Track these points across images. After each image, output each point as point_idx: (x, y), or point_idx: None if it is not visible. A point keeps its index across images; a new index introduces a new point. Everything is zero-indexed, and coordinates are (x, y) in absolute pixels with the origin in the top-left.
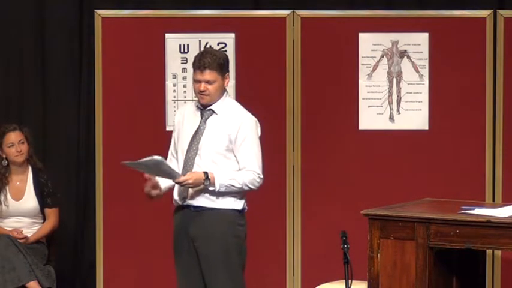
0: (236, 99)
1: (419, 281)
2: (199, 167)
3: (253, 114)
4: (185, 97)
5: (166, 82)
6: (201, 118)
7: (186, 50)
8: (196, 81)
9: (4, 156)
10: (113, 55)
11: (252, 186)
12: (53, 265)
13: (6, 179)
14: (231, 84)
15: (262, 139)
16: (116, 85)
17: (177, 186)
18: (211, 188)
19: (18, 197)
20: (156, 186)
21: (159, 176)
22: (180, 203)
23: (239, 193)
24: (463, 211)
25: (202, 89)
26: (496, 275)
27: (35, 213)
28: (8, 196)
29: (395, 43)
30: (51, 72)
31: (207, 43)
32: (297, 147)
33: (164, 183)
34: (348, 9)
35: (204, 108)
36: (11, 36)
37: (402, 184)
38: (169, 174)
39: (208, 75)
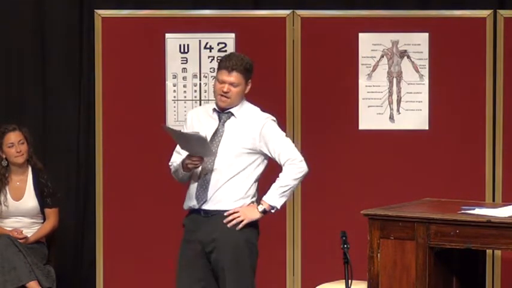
0: None
1: (419, 281)
2: (220, 171)
3: None
4: (185, 97)
5: (166, 82)
6: (219, 121)
7: (186, 50)
8: (220, 81)
9: (4, 156)
10: (113, 55)
11: (300, 175)
12: (53, 265)
13: (6, 179)
14: None
15: None
16: (116, 85)
17: (192, 189)
18: (273, 211)
19: (18, 197)
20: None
21: (191, 152)
22: (196, 206)
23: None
24: (463, 211)
25: (225, 90)
26: (496, 275)
27: (34, 213)
28: (8, 196)
29: (395, 43)
30: (51, 72)
31: (207, 43)
32: (297, 147)
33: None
34: (348, 9)
35: (222, 111)
36: (11, 36)
37: (402, 184)
38: (205, 152)
39: (234, 77)
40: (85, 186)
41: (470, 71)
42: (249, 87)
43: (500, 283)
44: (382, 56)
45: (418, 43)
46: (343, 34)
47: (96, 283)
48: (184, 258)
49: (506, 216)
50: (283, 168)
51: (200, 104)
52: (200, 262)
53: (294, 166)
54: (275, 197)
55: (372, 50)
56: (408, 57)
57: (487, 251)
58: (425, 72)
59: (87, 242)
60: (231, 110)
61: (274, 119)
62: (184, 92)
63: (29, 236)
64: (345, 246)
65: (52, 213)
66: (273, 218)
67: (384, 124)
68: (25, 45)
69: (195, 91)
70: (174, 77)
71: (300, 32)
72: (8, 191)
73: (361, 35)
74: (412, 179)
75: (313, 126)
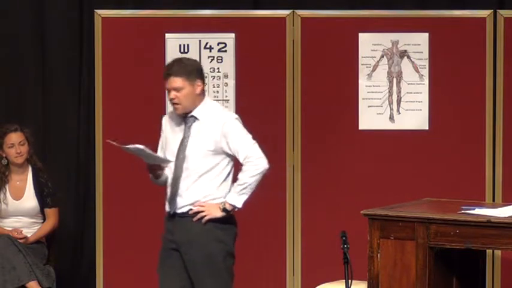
0: (236, 99)
1: (419, 281)
2: (189, 174)
3: (253, 114)
4: None
5: None
6: (185, 125)
7: (186, 50)
8: (168, 91)
9: (4, 155)
10: (113, 55)
11: (257, 172)
12: (52, 265)
13: (6, 177)
14: (231, 84)
15: (262, 139)
16: (116, 85)
17: (167, 193)
18: (236, 209)
19: (18, 196)
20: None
21: (149, 162)
22: (170, 209)
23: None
24: (463, 211)
25: (172, 97)
26: (496, 275)
27: (34, 212)
28: (8, 195)
29: (395, 43)
30: (51, 72)
31: (207, 43)
32: (297, 147)
33: (165, 173)
34: (348, 9)
35: (186, 116)
36: (11, 36)
37: (402, 184)
38: (156, 158)
39: (173, 82)
40: (85, 186)
41: (470, 71)
42: (199, 87)
43: (500, 283)
44: (382, 56)
45: (418, 43)
46: (343, 34)
47: (96, 283)
48: (163, 261)
49: (506, 216)
50: (242, 166)
51: None
52: (177, 263)
53: (251, 164)
54: (234, 196)
55: (372, 50)
56: (408, 57)
57: (487, 251)
58: (425, 72)
59: (87, 242)
60: (193, 113)
61: (237, 116)
62: None
63: (28, 236)
64: (345, 246)
65: (52, 213)
66: (273, 218)
67: (384, 124)
68: (25, 45)
69: None
70: None
71: (300, 32)
72: (8, 190)
73: (361, 35)
74: (412, 179)
75: (313, 126)
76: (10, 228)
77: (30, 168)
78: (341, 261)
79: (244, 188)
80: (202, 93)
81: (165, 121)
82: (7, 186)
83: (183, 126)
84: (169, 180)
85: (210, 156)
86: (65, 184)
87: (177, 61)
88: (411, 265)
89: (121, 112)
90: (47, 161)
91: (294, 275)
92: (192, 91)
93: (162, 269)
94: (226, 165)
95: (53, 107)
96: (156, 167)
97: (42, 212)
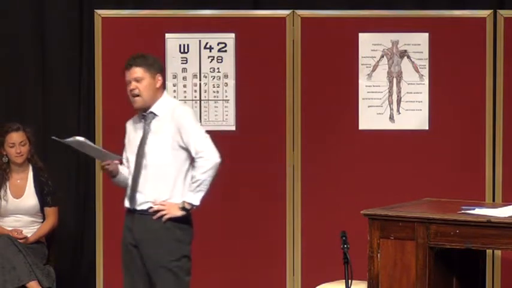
0: (236, 99)
1: (419, 281)
2: (148, 170)
3: (253, 114)
4: (185, 97)
5: (166, 82)
6: (145, 123)
7: (186, 50)
8: (127, 83)
9: (5, 153)
10: (113, 55)
11: (208, 168)
12: (52, 265)
13: (7, 174)
14: (231, 84)
15: (263, 139)
16: (116, 85)
17: (127, 190)
18: (195, 207)
19: (18, 194)
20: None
21: (97, 158)
22: (129, 206)
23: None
24: (463, 211)
25: (131, 87)
26: (496, 275)
27: (34, 211)
28: (8, 192)
29: (395, 43)
30: (51, 72)
31: (207, 43)
32: (297, 147)
33: (125, 173)
34: (348, 9)
35: (146, 113)
36: (11, 36)
37: (402, 184)
38: (102, 153)
39: (134, 72)
40: (85, 186)
41: (470, 71)
42: (159, 81)
43: (500, 283)
44: (382, 56)
45: (418, 43)
46: (343, 34)
47: (96, 283)
48: (127, 265)
49: (506, 216)
50: (194, 162)
51: (200, 104)
52: (139, 266)
53: (202, 159)
54: (190, 195)
55: (372, 50)
56: (408, 57)
57: (487, 251)
58: (425, 72)
59: (87, 242)
60: (152, 109)
61: (191, 110)
62: (184, 92)
63: (28, 235)
64: (345, 246)
65: (51, 212)
66: (273, 218)
67: (384, 124)
68: (25, 45)
69: (195, 91)
70: (174, 77)
71: (300, 32)
72: (8, 187)
73: (361, 35)
74: (412, 179)
75: (313, 126)
76: (10, 228)
77: (30, 168)
78: (341, 261)
79: (198, 185)
80: (162, 88)
81: (128, 125)
82: (8, 184)
83: (143, 124)
84: (130, 177)
85: (169, 152)
86: (65, 184)
87: (138, 55)
88: (411, 265)
89: (121, 112)
90: (47, 161)
91: (294, 275)
92: (152, 83)
93: (127, 274)
94: (185, 161)
95: (53, 107)
96: (108, 164)
97: (42, 211)
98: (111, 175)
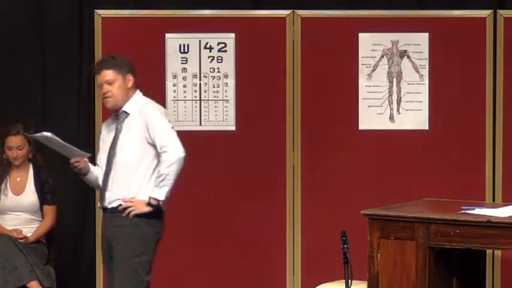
0: (236, 99)
1: (419, 281)
2: (117, 168)
3: (253, 114)
4: (185, 97)
5: (166, 82)
6: (118, 122)
7: (186, 50)
8: (99, 86)
9: (4, 153)
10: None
11: (171, 162)
12: (52, 265)
13: (7, 169)
14: (231, 84)
15: (262, 139)
16: None
17: (101, 190)
18: (161, 202)
19: (18, 191)
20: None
21: (67, 155)
22: (101, 205)
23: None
24: (463, 211)
25: (104, 90)
26: (496, 275)
27: (34, 209)
28: (8, 187)
29: (395, 43)
30: (51, 72)
31: (207, 43)
32: (297, 147)
33: (96, 172)
34: (348, 9)
35: (119, 112)
36: (11, 36)
37: (402, 184)
38: (70, 150)
39: (105, 75)
40: (85, 186)
41: (470, 71)
42: (130, 81)
43: (500, 283)
44: (382, 56)
45: (418, 43)
46: (343, 34)
47: (96, 283)
48: (107, 263)
49: (506, 216)
50: (162, 155)
51: (200, 104)
52: (108, 257)
53: (166, 154)
54: (155, 190)
55: (372, 50)
56: (408, 57)
57: (487, 251)
58: (425, 72)
59: (87, 242)
60: (124, 109)
61: (159, 106)
62: (184, 92)
63: (27, 234)
64: (345, 246)
65: (50, 211)
66: (273, 218)
67: (384, 124)
68: (25, 45)
69: (195, 91)
70: (174, 77)
71: (300, 32)
72: (8, 182)
73: (361, 35)
74: (412, 179)
75: (313, 126)
76: (10, 228)
77: (31, 166)
78: (341, 261)
79: (162, 180)
80: (134, 88)
81: (103, 126)
82: (8, 179)
83: (116, 123)
84: (101, 177)
85: (138, 149)
86: (65, 184)
87: (108, 57)
88: (411, 265)
89: None
90: (47, 161)
91: (294, 275)
92: (123, 84)
93: (107, 272)
94: (154, 157)
95: (53, 107)
96: (77, 162)
97: (41, 209)
98: (81, 173)
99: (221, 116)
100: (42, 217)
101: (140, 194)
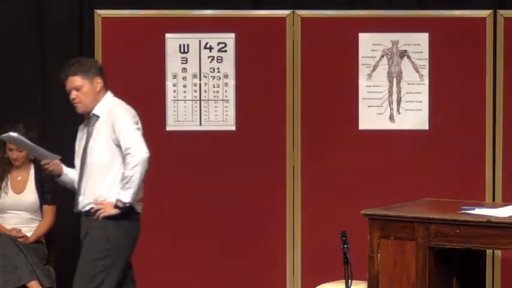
0: (236, 99)
1: (419, 281)
2: (89, 172)
3: (253, 114)
4: (185, 97)
5: (166, 82)
6: (89, 125)
7: (186, 50)
8: (68, 92)
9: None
10: (113, 55)
11: (135, 164)
12: (52, 265)
13: (8, 168)
14: (231, 84)
15: (263, 139)
16: (115, 85)
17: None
18: (127, 204)
19: (18, 190)
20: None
21: (38, 157)
22: (74, 209)
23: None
24: (463, 211)
25: (73, 96)
26: (496, 275)
27: (34, 208)
28: (9, 186)
29: (395, 43)
30: (51, 72)
31: (207, 43)
32: (297, 147)
33: (71, 175)
34: (348, 9)
35: (90, 115)
36: (11, 36)
37: (402, 184)
38: (39, 151)
39: (73, 81)
40: None
41: (470, 71)
42: (99, 85)
43: (500, 283)
44: (382, 56)
45: (418, 43)
46: (343, 34)
47: None
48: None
49: (506, 216)
50: (126, 157)
51: (200, 104)
52: None
53: (129, 156)
54: (121, 192)
55: (372, 50)
56: (408, 57)
57: (487, 251)
58: (425, 72)
59: None
60: (94, 112)
61: (127, 107)
62: (184, 92)
63: (27, 233)
64: (345, 246)
65: (49, 210)
66: (273, 218)
67: (384, 124)
68: (25, 45)
69: (195, 91)
70: (174, 77)
71: (300, 32)
72: (9, 181)
73: (361, 35)
74: (412, 179)
75: (313, 126)
76: (10, 227)
77: (32, 166)
78: (341, 261)
79: (127, 182)
80: (104, 90)
81: (79, 130)
82: (9, 177)
83: (87, 128)
84: (75, 180)
85: (106, 151)
86: None
87: (74, 61)
88: (411, 265)
89: None
90: None
91: (294, 275)
92: (91, 89)
93: None
94: (123, 160)
95: (53, 107)
96: (47, 164)
97: (41, 209)
98: (53, 175)
99: (221, 116)
100: (42, 217)
101: (110, 196)
